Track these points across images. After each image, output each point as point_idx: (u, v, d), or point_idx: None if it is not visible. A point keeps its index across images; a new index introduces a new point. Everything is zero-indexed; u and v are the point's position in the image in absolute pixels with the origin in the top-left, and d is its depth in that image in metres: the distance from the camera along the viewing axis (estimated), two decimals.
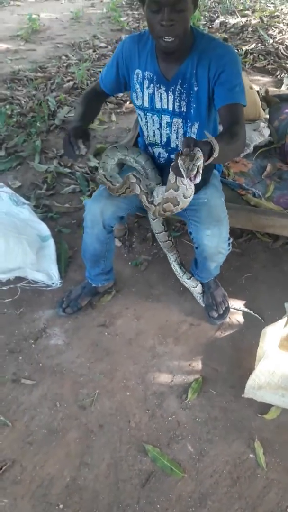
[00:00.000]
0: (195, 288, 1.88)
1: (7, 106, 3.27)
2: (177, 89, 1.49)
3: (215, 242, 1.57)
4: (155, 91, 1.53)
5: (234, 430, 1.55)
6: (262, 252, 2.23)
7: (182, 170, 1.14)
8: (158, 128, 1.62)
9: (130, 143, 2.11)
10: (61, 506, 1.36)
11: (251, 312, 1.91)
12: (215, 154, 1.20)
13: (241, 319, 1.92)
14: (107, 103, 3.33)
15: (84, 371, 1.70)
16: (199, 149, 1.15)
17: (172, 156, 1.64)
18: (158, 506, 1.37)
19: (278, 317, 1.72)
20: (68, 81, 3.64)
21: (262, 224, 1.91)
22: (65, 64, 3.98)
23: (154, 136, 1.65)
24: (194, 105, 1.51)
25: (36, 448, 1.49)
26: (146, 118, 1.62)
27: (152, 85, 1.52)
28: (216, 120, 1.63)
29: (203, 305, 1.90)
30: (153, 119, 1.60)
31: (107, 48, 4.35)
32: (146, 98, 1.56)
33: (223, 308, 1.88)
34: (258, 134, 2.30)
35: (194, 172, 1.13)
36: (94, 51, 4.28)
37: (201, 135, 1.57)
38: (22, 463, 1.45)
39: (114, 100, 3.37)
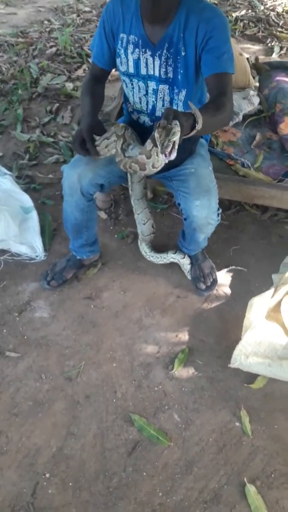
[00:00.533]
0: (184, 259, 1.86)
1: None
2: (163, 54, 1.42)
3: (204, 212, 1.53)
4: (141, 56, 1.45)
5: (220, 400, 1.56)
6: (250, 224, 2.20)
7: (157, 144, 1.12)
8: (144, 95, 1.55)
9: (115, 111, 2.04)
10: (47, 475, 1.37)
11: (237, 268, 1.94)
12: (198, 126, 1.18)
13: (228, 290, 1.91)
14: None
15: (70, 343, 1.69)
16: (177, 123, 1.12)
17: None
18: (144, 473, 1.38)
19: (266, 289, 1.72)
20: (50, 47, 3.48)
21: (251, 195, 1.88)
22: (47, 29, 3.79)
23: (140, 103, 1.58)
24: (181, 71, 1.44)
25: (22, 419, 1.48)
26: (132, 85, 1.54)
27: (137, 49, 1.44)
28: (204, 87, 1.55)
29: (190, 278, 1.89)
30: (138, 86, 1.53)
31: (92, 12, 4.16)
32: (131, 63, 1.48)
33: (211, 280, 1.86)
34: (247, 103, 2.24)
35: (169, 149, 1.11)
36: (78, 15, 4.08)
37: (187, 103, 1.51)
38: (7, 434, 1.44)
39: None
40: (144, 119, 1.63)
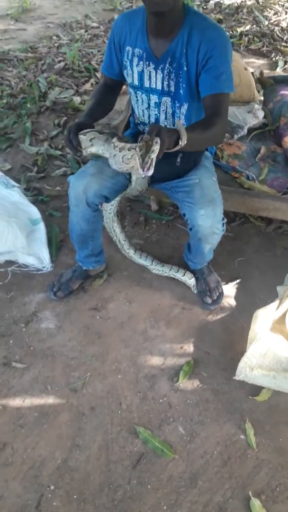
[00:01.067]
0: (184, 277, 1.89)
1: None
2: (166, 68, 1.46)
3: (209, 222, 1.54)
4: (144, 68, 1.50)
5: (225, 412, 1.56)
6: (255, 236, 2.22)
7: (137, 158, 1.18)
8: (146, 108, 1.59)
9: (122, 124, 2.07)
10: (52, 487, 1.37)
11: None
12: (182, 143, 1.24)
13: (233, 302, 1.91)
14: (97, 83, 3.26)
15: (76, 354, 1.70)
16: (158, 140, 1.18)
17: None
18: (149, 486, 1.38)
19: (270, 300, 1.72)
20: (59, 61, 3.56)
21: (256, 207, 1.90)
22: (56, 45, 3.88)
23: (143, 116, 1.62)
24: (183, 85, 1.47)
25: (28, 431, 1.48)
26: (136, 97, 1.59)
27: (141, 62, 1.49)
28: None
29: (195, 292, 1.90)
30: (142, 98, 1.57)
31: (99, 28, 4.25)
32: (135, 75, 1.53)
33: (217, 294, 1.87)
34: (252, 116, 2.26)
35: (148, 165, 1.16)
36: (86, 31, 4.18)
37: (189, 116, 1.55)
38: (13, 445, 1.45)
39: None
40: None
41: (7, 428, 1.48)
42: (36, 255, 2.01)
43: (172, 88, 1.49)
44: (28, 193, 2.34)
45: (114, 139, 1.38)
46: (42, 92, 3.14)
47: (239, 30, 4.16)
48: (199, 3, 4.93)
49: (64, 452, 1.44)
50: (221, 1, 4.87)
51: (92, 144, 1.44)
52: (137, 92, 1.57)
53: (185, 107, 1.52)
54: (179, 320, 1.83)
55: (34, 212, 2.16)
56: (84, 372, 1.64)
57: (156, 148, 1.17)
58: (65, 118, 2.92)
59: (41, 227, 2.10)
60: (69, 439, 1.47)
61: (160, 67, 1.47)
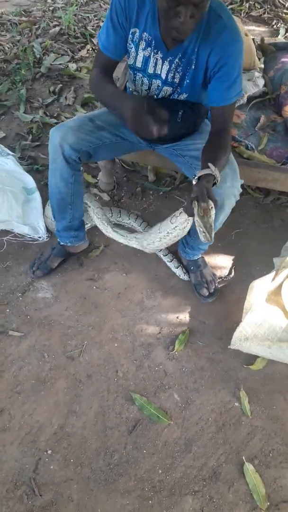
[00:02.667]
0: (170, 263, 1.89)
1: None
2: (175, 61, 1.38)
3: (228, 181, 1.43)
4: (151, 55, 1.40)
5: (220, 380, 1.58)
6: (253, 208, 2.20)
7: (201, 229, 1.20)
8: (146, 90, 1.51)
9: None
10: (49, 451, 1.39)
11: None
12: (218, 184, 1.29)
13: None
14: (94, 50, 3.16)
15: (73, 324, 1.70)
16: (212, 205, 1.22)
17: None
18: (144, 451, 1.41)
19: (267, 272, 1.72)
20: (54, 26, 3.42)
21: (254, 178, 1.87)
22: (51, 8, 3.72)
23: (140, 93, 1.55)
24: (188, 81, 1.42)
25: (25, 397, 1.50)
26: (135, 78, 1.50)
27: (149, 48, 1.39)
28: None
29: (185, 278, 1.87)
30: (142, 81, 1.49)
31: None
32: (139, 59, 1.43)
33: (213, 287, 1.81)
34: (252, 84, 2.20)
35: (213, 233, 1.21)
36: None
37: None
38: (10, 411, 1.46)
39: None
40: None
41: (4, 395, 1.50)
42: (32, 224, 1.99)
43: (177, 80, 1.43)
44: (23, 161, 2.29)
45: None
46: (37, 58, 3.03)
47: None
48: None
49: (61, 418, 1.46)
50: None
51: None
52: (137, 74, 1.48)
53: (184, 96, 1.48)
54: (175, 290, 1.83)
55: (29, 181, 2.12)
56: (81, 341, 1.65)
57: (213, 213, 1.21)
58: (61, 85, 2.83)
59: (37, 197, 2.07)
60: (65, 405, 1.49)
61: (168, 59, 1.38)
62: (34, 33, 3.35)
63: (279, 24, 3.72)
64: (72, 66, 2.99)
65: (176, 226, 1.50)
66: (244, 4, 3.94)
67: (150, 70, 1.44)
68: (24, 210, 2.00)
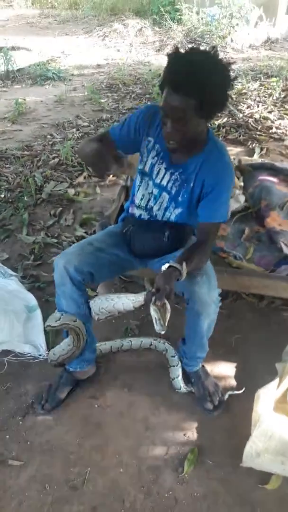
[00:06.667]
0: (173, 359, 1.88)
1: None
2: (175, 174, 1.59)
3: (205, 288, 1.54)
4: (156, 164, 1.62)
5: (235, 504, 1.47)
6: (249, 312, 2.25)
7: (157, 322, 1.36)
8: (148, 193, 1.69)
9: (114, 214, 2.20)
10: None
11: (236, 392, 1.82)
12: (181, 278, 1.43)
13: (233, 382, 1.89)
14: (91, 177, 3.49)
15: (74, 448, 1.63)
16: (168, 305, 1.39)
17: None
18: None
19: (271, 378, 1.70)
20: (53, 158, 3.83)
21: (246, 285, 1.96)
22: (50, 143, 4.20)
23: (141, 199, 1.72)
24: (185, 196, 1.61)
25: None
26: (141, 181, 1.69)
27: (156, 158, 1.61)
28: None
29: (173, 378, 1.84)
30: (148, 184, 1.68)
31: (90, 127, 4.63)
32: (148, 165, 1.64)
33: (217, 399, 1.77)
34: (234, 201, 2.42)
35: (166, 324, 1.36)
36: (78, 130, 4.55)
37: (180, 217, 1.66)
38: None
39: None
40: (141, 212, 1.75)
41: None
42: (33, 342, 2.01)
43: (173, 191, 1.62)
44: (25, 280, 2.39)
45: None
46: (38, 185, 3.34)
47: (216, 123, 4.57)
48: None
49: None
50: None
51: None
52: (144, 177, 1.68)
53: (178, 210, 1.65)
54: (180, 404, 1.79)
55: (31, 298, 2.19)
56: (84, 467, 1.56)
57: (168, 310, 1.38)
58: (61, 208, 3.08)
59: (38, 314, 2.12)
60: None
61: (170, 171, 1.60)
62: (35, 164, 3.73)
63: (254, 144, 4.18)
64: (71, 191, 3.28)
65: (133, 305, 1.56)
66: (221, 129, 4.47)
67: (154, 176, 1.63)
68: (25, 328, 2.03)
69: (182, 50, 1.36)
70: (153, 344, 1.96)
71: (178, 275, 1.41)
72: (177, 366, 1.85)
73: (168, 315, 1.37)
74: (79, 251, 1.63)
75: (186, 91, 1.30)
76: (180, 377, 1.83)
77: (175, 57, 1.35)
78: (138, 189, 1.73)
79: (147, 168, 1.66)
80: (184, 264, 1.42)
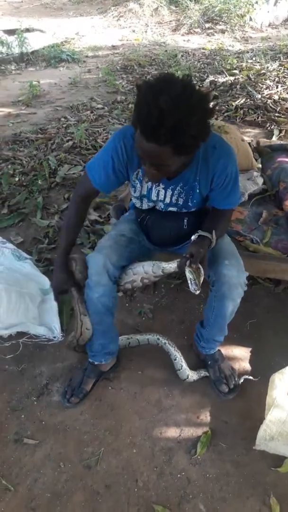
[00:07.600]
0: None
1: (10, 166, 3.40)
2: (177, 189, 1.51)
3: (234, 271, 1.51)
4: (153, 187, 1.52)
5: (247, 486, 1.47)
6: (265, 297, 2.22)
7: (192, 282, 1.39)
8: (151, 209, 1.63)
9: (129, 196, 2.17)
10: None
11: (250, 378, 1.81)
12: (212, 245, 1.49)
13: (247, 367, 1.88)
14: None
15: (88, 428, 1.65)
16: (201, 269, 1.42)
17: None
18: None
19: (286, 363, 1.69)
20: (67, 140, 3.81)
21: (263, 269, 1.92)
22: (64, 125, 4.18)
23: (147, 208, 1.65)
24: (194, 201, 1.54)
25: None
26: (141, 202, 1.60)
27: (151, 182, 1.50)
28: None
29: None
30: (148, 205, 1.61)
31: (104, 109, 4.59)
32: (145, 189, 1.55)
33: (233, 382, 1.76)
34: (252, 183, 2.37)
35: (200, 283, 1.40)
36: (92, 112, 4.51)
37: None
38: None
39: None
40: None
41: None
42: (47, 325, 2.02)
43: (181, 202, 1.55)
44: (39, 263, 2.40)
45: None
46: (52, 169, 3.33)
47: (234, 104, 4.47)
48: (195, 82, 5.35)
49: None
50: (216, 80, 5.28)
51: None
52: (143, 199, 1.59)
53: (193, 208, 1.58)
54: (194, 387, 1.79)
55: (45, 282, 2.20)
56: (98, 447, 1.58)
57: (202, 273, 1.42)
58: None
59: (52, 297, 2.13)
60: None
61: (170, 187, 1.50)
62: (49, 147, 3.72)
63: (273, 126, 4.08)
64: None
65: (162, 270, 1.58)
66: (238, 111, 4.38)
67: (153, 197, 1.56)
68: (40, 311, 2.05)
69: (151, 83, 1.19)
70: (149, 339, 1.90)
71: (208, 242, 1.47)
72: (176, 360, 1.79)
73: (202, 278, 1.41)
74: (114, 245, 1.58)
75: (158, 141, 1.17)
76: (184, 366, 1.78)
77: (143, 97, 1.17)
78: (140, 205, 1.63)
79: (144, 191, 1.55)
80: (213, 232, 1.48)
